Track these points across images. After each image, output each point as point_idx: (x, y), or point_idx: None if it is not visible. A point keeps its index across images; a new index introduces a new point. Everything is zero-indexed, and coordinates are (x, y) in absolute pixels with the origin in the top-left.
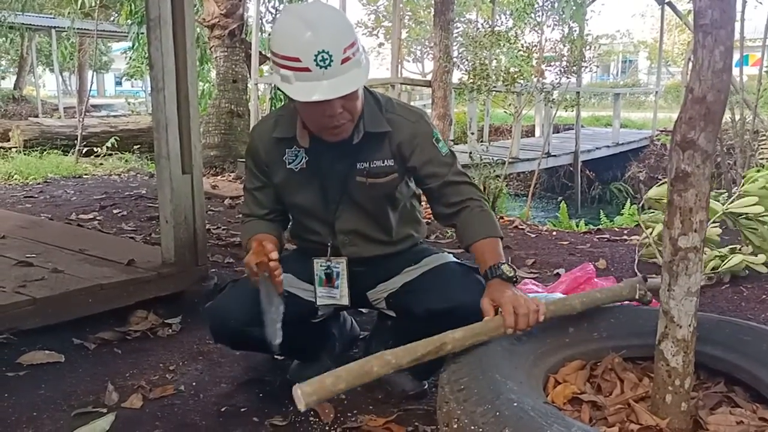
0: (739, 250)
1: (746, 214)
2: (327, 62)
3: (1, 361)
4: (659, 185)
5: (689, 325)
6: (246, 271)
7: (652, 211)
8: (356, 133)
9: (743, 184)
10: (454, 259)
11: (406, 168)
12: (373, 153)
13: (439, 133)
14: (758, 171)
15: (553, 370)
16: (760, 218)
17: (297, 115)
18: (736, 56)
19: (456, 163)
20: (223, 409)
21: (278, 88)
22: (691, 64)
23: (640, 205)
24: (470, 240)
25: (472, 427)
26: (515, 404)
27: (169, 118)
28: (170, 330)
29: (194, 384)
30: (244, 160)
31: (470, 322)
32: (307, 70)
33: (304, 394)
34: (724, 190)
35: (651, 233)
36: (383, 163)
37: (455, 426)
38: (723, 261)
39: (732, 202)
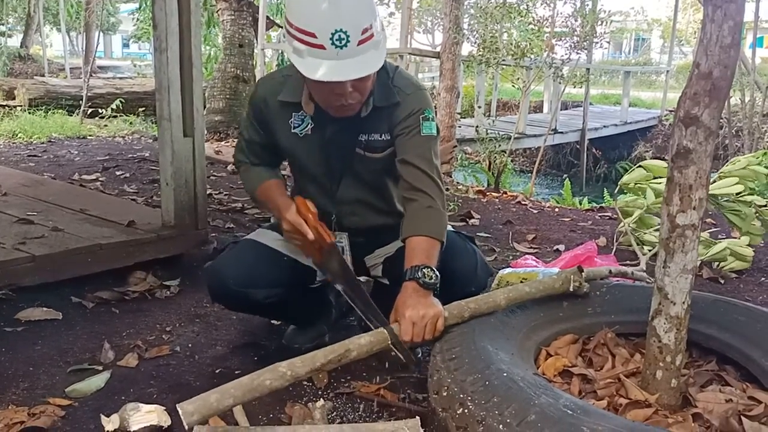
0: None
1: (727, 195)
2: (343, 42)
3: None
4: (632, 171)
5: (683, 303)
6: (283, 225)
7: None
8: (365, 108)
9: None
10: (450, 229)
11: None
12: (374, 126)
13: (432, 112)
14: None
15: (545, 343)
16: (740, 199)
17: (304, 81)
18: (750, 38)
19: (430, 147)
20: (217, 371)
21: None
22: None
23: (616, 190)
24: (407, 233)
25: (461, 396)
26: (505, 374)
27: (172, 79)
28: (168, 292)
29: (190, 345)
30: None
31: (461, 289)
32: (321, 47)
33: (185, 413)
34: None
35: (628, 220)
36: (381, 137)
37: (444, 394)
38: (706, 249)
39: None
